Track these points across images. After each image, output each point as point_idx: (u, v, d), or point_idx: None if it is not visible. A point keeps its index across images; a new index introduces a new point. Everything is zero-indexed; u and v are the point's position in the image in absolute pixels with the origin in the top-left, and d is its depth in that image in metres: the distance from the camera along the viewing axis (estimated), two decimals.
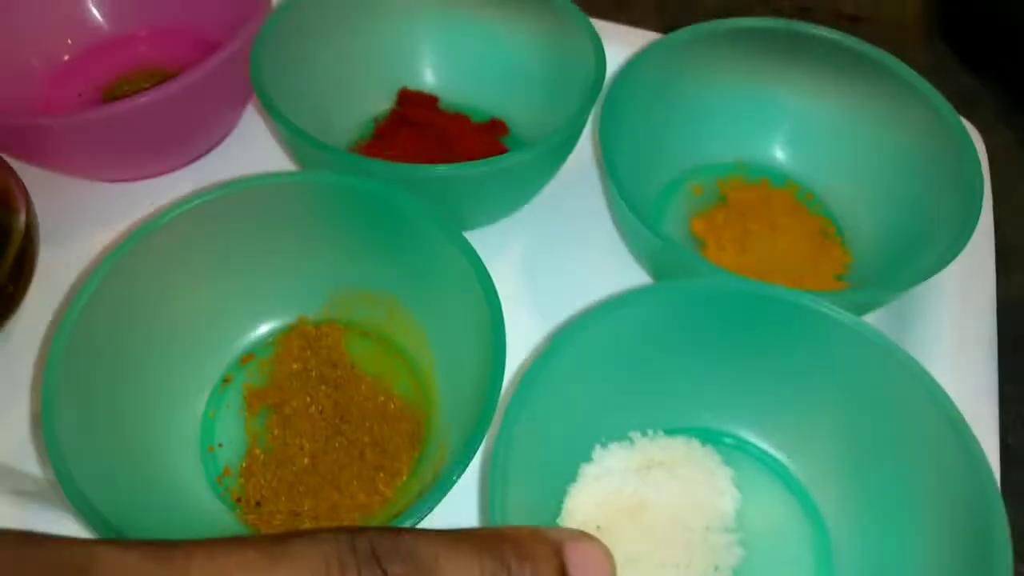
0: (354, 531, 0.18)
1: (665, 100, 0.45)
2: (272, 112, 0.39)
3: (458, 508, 0.35)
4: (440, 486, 0.29)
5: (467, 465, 0.30)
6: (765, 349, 0.35)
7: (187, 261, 0.37)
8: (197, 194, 0.36)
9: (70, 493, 0.28)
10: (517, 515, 0.30)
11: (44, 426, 0.30)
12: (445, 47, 0.50)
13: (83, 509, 0.28)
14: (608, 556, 0.21)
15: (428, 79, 0.51)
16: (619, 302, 0.33)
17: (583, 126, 0.42)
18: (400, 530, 0.19)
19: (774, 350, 0.35)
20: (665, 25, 0.56)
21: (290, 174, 0.38)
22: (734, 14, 0.60)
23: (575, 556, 0.20)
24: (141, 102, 0.39)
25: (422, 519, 0.29)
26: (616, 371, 0.35)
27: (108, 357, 0.34)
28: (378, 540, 0.18)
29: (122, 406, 0.35)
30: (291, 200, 0.38)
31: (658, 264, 0.40)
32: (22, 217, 0.39)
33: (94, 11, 0.51)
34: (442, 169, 0.38)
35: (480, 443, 0.30)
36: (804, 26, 0.44)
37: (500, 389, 0.31)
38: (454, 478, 0.30)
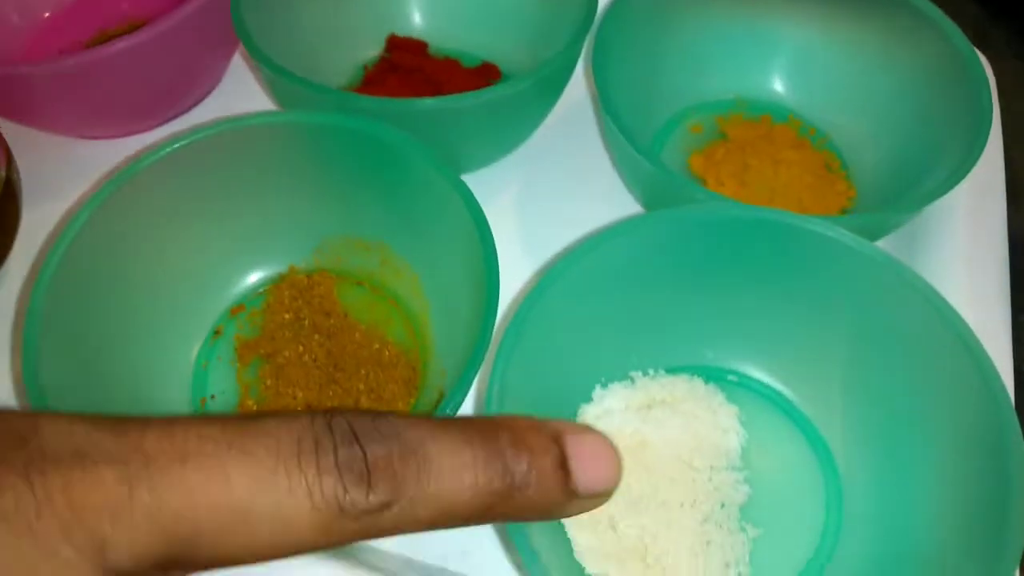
0: (333, 411, 0.16)
1: (660, 34, 0.43)
2: (255, 54, 0.38)
3: None
4: None
5: (458, 407, 0.29)
6: (767, 279, 0.34)
7: (170, 208, 0.36)
8: (176, 137, 0.35)
9: None
10: None
11: (27, 385, 0.29)
12: None
13: None
14: (612, 447, 0.19)
15: (417, 24, 0.49)
16: (610, 232, 0.32)
17: (576, 58, 0.40)
18: (384, 412, 0.17)
19: (776, 279, 0.34)
20: None
21: (275, 114, 0.37)
22: None
23: (576, 447, 0.18)
24: (118, 47, 0.38)
25: None
26: (613, 307, 0.34)
27: (91, 311, 0.33)
28: (358, 420, 0.16)
29: (110, 360, 0.34)
30: (278, 142, 0.37)
31: (656, 198, 0.39)
32: (2, 173, 0.38)
33: None
34: (433, 102, 0.36)
35: (472, 381, 0.29)
36: None
37: (492, 328, 0.30)
38: (447, 413, 0.29)
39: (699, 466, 0.33)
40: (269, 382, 0.37)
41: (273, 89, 0.41)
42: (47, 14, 0.50)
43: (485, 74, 0.48)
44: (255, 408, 0.36)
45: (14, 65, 0.39)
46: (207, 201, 0.37)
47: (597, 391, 0.35)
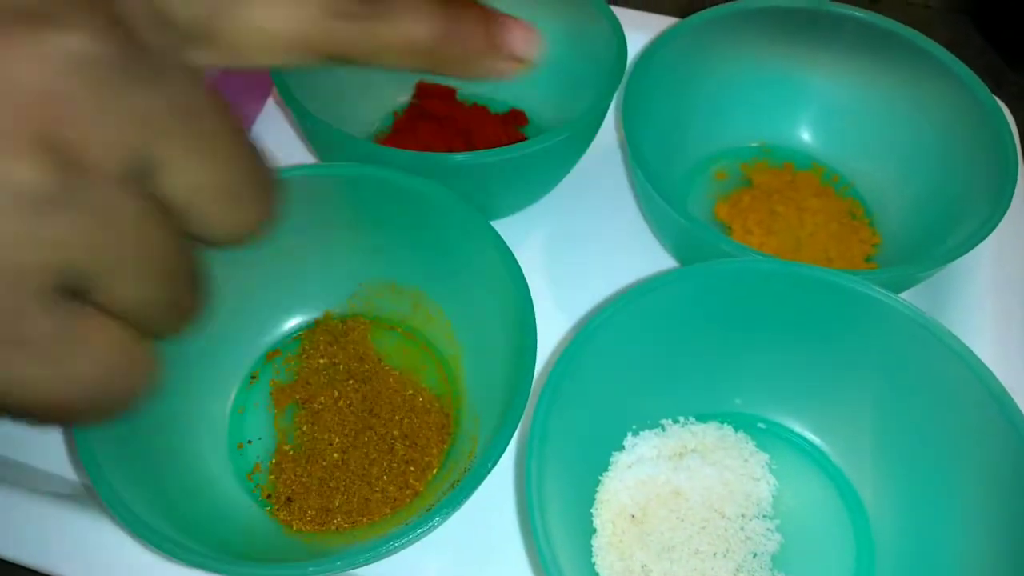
0: None
1: (687, 84, 0.44)
2: (293, 105, 0.39)
3: (490, 499, 0.35)
4: (472, 477, 0.29)
5: (499, 456, 0.30)
6: (796, 330, 0.35)
7: (209, 258, 0.37)
8: None
9: (105, 495, 0.28)
10: (553, 507, 0.29)
11: (75, 430, 0.29)
12: None
13: (119, 510, 0.28)
14: (536, 31, 0.24)
15: None
16: (648, 287, 0.33)
17: (605, 112, 0.41)
18: None
19: (807, 331, 0.35)
20: (682, 10, 0.55)
21: (314, 167, 0.38)
22: None
23: (506, 18, 0.23)
24: None
25: (455, 510, 0.29)
26: (646, 358, 0.35)
27: None
28: None
29: (151, 405, 0.34)
30: (316, 192, 0.38)
31: (685, 249, 0.40)
32: None
33: None
34: (468, 157, 0.37)
35: (512, 434, 0.30)
36: (827, 4, 0.43)
37: (532, 381, 0.31)
38: (487, 468, 0.29)
39: (731, 515, 0.34)
40: (305, 427, 0.37)
41: (309, 137, 0.42)
42: None
43: (513, 120, 0.49)
44: (291, 453, 0.36)
45: None
46: (245, 251, 0.38)
47: (629, 439, 0.36)
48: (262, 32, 0.19)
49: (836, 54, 0.45)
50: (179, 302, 0.19)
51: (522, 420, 0.30)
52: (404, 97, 0.50)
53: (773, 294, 0.34)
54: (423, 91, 0.50)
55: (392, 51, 0.21)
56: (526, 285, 0.33)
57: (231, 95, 0.44)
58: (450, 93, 0.50)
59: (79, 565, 0.32)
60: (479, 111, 0.49)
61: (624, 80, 0.41)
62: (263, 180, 0.19)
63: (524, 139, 0.47)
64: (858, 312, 0.33)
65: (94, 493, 0.29)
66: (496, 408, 0.34)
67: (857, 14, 0.43)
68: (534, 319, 0.32)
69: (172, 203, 0.17)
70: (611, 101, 0.41)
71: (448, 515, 0.29)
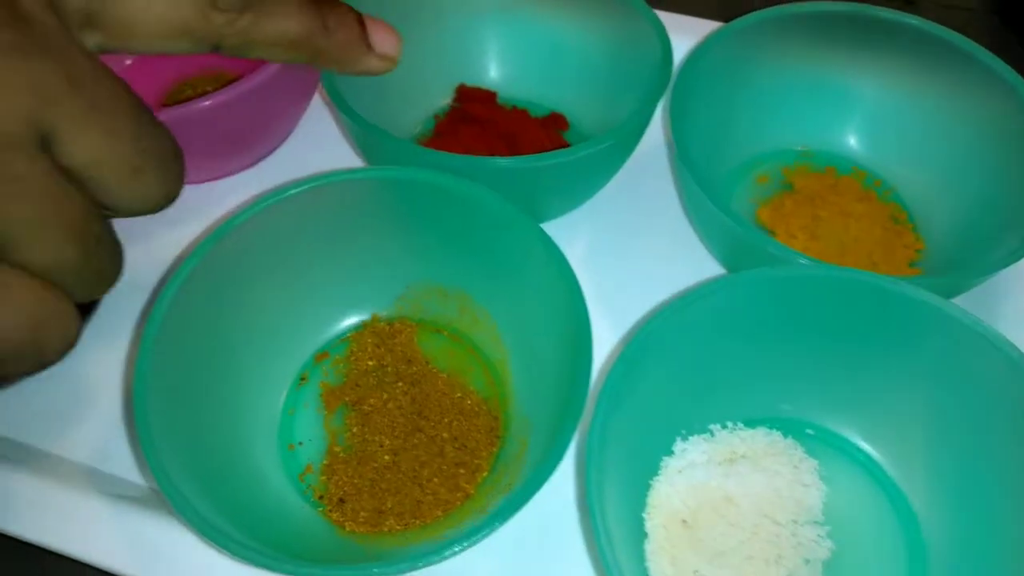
0: None
1: (732, 87, 0.44)
2: (344, 111, 0.39)
3: (543, 501, 0.35)
4: (531, 483, 0.29)
5: (559, 462, 0.30)
6: (848, 335, 0.35)
7: (262, 261, 0.37)
8: (274, 191, 0.36)
9: (174, 499, 0.29)
10: (610, 512, 0.30)
11: (140, 434, 0.30)
12: (504, 42, 0.50)
13: (188, 513, 0.28)
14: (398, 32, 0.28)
15: (486, 74, 0.51)
16: (701, 293, 0.33)
17: (651, 116, 0.41)
18: None
19: (858, 336, 0.35)
20: (721, 13, 0.55)
21: (364, 170, 0.38)
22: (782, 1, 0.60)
23: (372, 21, 0.27)
24: (204, 105, 0.39)
25: (512, 515, 0.29)
26: (696, 363, 0.35)
27: (190, 360, 0.35)
28: None
29: (206, 408, 0.35)
30: (365, 195, 0.38)
31: (733, 252, 0.40)
32: None
33: None
34: (518, 162, 0.38)
35: (571, 440, 0.30)
36: (870, 8, 0.43)
37: (589, 387, 0.31)
38: (547, 473, 0.29)
39: (783, 521, 0.34)
40: (356, 429, 0.37)
41: (355, 137, 0.43)
42: (128, 62, 0.51)
43: (554, 124, 0.49)
44: (342, 455, 0.37)
45: None
46: (296, 253, 0.38)
47: (678, 444, 0.36)
48: (146, 17, 0.21)
49: (879, 58, 0.45)
50: (92, 264, 0.20)
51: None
52: (445, 100, 0.50)
53: (825, 300, 0.34)
54: (464, 94, 0.50)
55: (268, 43, 0.24)
56: (580, 292, 0.33)
57: (278, 93, 0.45)
58: (490, 96, 0.50)
59: (147, 565, 0.32)
60: (520, 115, 0.49)
61: (670, 83, 0.41)
62: (164, 154, 0.21)
63: (566, 143, 0.47)
64: (913, 318, 0.33)
65: (161, 496, 0.29)
66: (548, 412, 0.34)
67: (900, 18, 0.43)
68: (588, 324, 0.33)
69: (73, 172, 0.20)
70: (657, 106, 0.41)
71: (506, 519, 0.29)
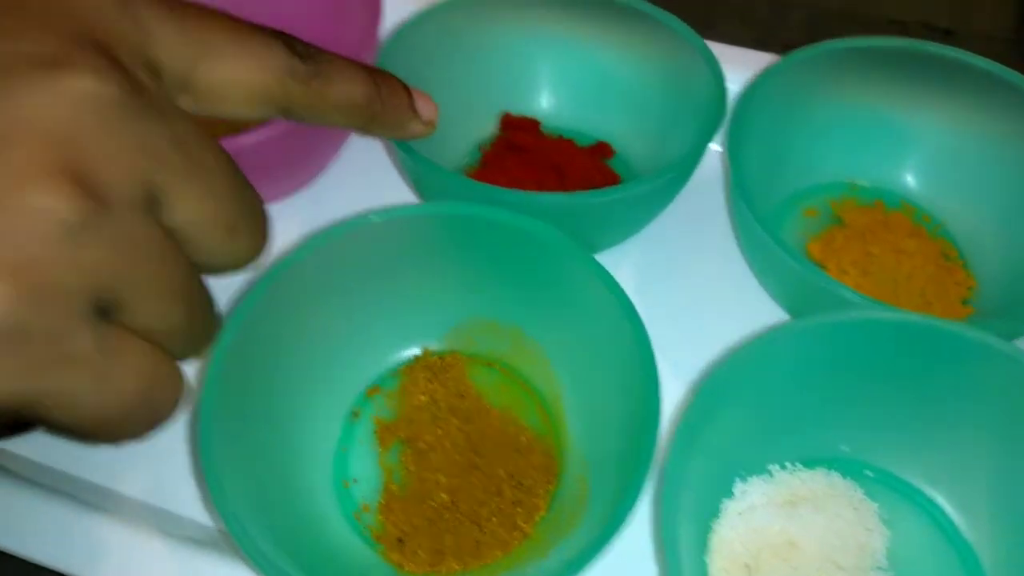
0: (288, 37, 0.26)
1: (785, 121, 0.44)
2: (398, 144, 0.39)
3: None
4: (603, 536, 0.29)
5: (630, 515, 0.29)
6: (912, 378, 0.35)
7: (317, 297, 0.37)
8: (329, 229, 0.36)
9: (240, 538, 0.28)
10: (685, 555, 0.29)
11: (206, 474, 0.30)
12: (549, 70, 0.50)
13: (252, 552, 0.28)
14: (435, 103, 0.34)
15: (530, 102, 0.51)
16: (770, 340, 0.32)
17: (705, 149, 0.41)
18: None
19: (922, 380, 0.35)
20: (757, 43, 0.55)
21: (417, 206, 0.38)
22: (821, 29, 0.60)
23: (417, 93, 0.32)
24: (261, 136, 0.39)
25: (587, 566, 0.29)
26: (759, 407, 0.35)
27: (250, 397, 0.34)
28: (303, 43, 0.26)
29: (265, 446, 0.35)
30: (418, 231, 0.38)
31: (792, 290, 0.40)
32: None
33: None
34: (573, 198, 0.38)
35: (643, 487, 0.30)
36: (925, 45, 0.43)
37: (657, 439, 0.31)
38: (617, 526, 0.29)
39: (847, 566, 0.34)
40: (411, 467, 0.37)
41: (408, 171, 0.43)
42: None
43: (600, 152, 0.49)
44: (399, 493, 0.37)
45: None
46: (349, 288, 0.38)
47: (738, 485, 0.36)
48: (234, 84, 0.23)
49: (933, 94, 0.44)
50: (195, 324, 0.21)
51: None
52: (489, 129, 0.50)
53: (890, 343, 0.34)
54: (509, 123, 0.50)
55: (332, 108, 0.27)
56: (647, 339, 0.33)
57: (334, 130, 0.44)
58: (534, 125, 0.50)
59: None
60: (566, 144, 0.49)
61: (728, 116, 0.41)
62: (255, 213, 0.22)
63: (614, 173, 0.47)
64: (980, 363, 0.33)
65: (229, 538, 0.29)
66: (611, 454, 0.34)
67: (953, 54, 0.43)
68: (656, 372, 0.32)
69: (176, 232, 0.20)
70: (712, 139, 0.41)
71: (582, 569, 0.29)
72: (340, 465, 0.38)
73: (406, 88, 0.30)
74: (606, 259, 0.44)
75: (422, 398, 0.39)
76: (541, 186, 0.45)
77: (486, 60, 0.49)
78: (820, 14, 0.62)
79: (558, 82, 0.50)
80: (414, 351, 0.41)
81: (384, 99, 0.29)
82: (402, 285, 0.39)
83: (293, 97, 0.25)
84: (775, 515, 0.35)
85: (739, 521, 0.35)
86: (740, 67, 0.46)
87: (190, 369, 0.40)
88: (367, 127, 0.29)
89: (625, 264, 0.45)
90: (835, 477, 0.36)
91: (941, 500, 0.36)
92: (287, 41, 0.25)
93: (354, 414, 0.39)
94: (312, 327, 0.37)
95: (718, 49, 0.44)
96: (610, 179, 0.47)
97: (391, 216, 0.37)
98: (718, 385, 0.32)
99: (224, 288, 0.43)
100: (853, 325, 0.33)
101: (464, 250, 0.39)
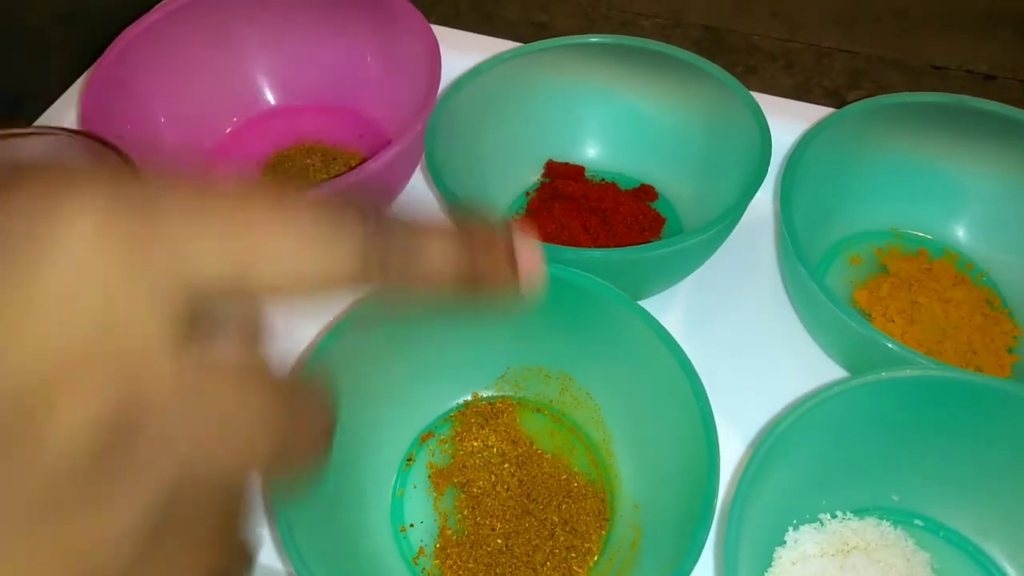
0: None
1: (835, 173, 0.45)
2: (447, 196, 0.40)
3: None
4: None
5: (693, 568, 0.30)
6: (965, 431, 0.35)
7: (375, 349, 0.38)
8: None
9: None
10: None
11: (278, 519, 0.31)
12: (593, 119, 0.51)
13: None
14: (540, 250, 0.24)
15: (575, 148, 0.52)
16: (826, 396, 0.33)
17: (751, 198, 0.42)
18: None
19: (975, 433, 0.35)
20: (796, 88, 0.56)
21: None
22: (862, 75, 0.61)
23: (520, 247, 0.23)
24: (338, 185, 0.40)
25: None
26: (812, 459, 0.35)
27: None
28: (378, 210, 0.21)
29: (330, 492, 0.35)
30: None
31: (838, 339, 0.40)
32: None
33: (266, 90, 0.53)
34: (621, 253, 0.39)
35: (703, 547, 0.30)
36: (973, 101, 0.44)
37: (717, 495, 0.31)
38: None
39: None
40: (466, 512, 0.38)
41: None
42: (228, 130, 0.53)
43: (644, 196, 0.50)
44: (455, 538, 0.37)
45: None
46: (405, 340, 0.39)
47: (790, 534, 0.36)
48: (292, 276, 0.19)
49: (975, 144, 0.45)
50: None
51: None
52: (534, 176, 0.51)
53: (944, 400, 0.34)
54: (553, 170, 0.51)
55: (417, 286, 0.21)
56: (705, 394, 0.34)
57: (396, 178, 0.46)
58: (579, 171, 0.51)
59: None
60: (610, 188, 0.50)
61: (779, 169, 0.42)
62: (315, 440, 0.20)
63: (659, 215, 0.48)
64: None
65: None
66: (667, 504, 0.34)
67: (999, 109, 0.44)
68: (715, 429, 0.33)
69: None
70: (758, 189, 0.41)
71: None
72: (397, 510, 0.39)
73: (508, 245, 0.23)
74: (652, 304, 0.45)
75: (475, 443, 0.40)
76: (587, 231, 0.46)
77: (533, 110, 0.50)
78: (861, 60, 0.63)
79: (602, 129, 0.51)
80: (464, 397, 0.42)
81: (482, 270, 0.22)
82: (454, 335, 0.40)
83: (370, 278, 0.21)
84: (828, 565, 0.35)
85: (792, 570, 0.35)
86: (782, 116, 0.47)
87: None
88: (473, 295, 0.23)
89: (671, 310, 0.46)
90: (886, 527, 0.37)
91: (992, 550, 0.36)
92: (357, 210, 0.20)
93: (409, 459, 0.40)
94: (371, 379, 0.38)
95: (760, 98, 0.45)
96: (655, 221, 0.48)
97: None
98: (777, 443, 0.32)
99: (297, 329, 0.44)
100: (908, 383, 0.34)
101: None
